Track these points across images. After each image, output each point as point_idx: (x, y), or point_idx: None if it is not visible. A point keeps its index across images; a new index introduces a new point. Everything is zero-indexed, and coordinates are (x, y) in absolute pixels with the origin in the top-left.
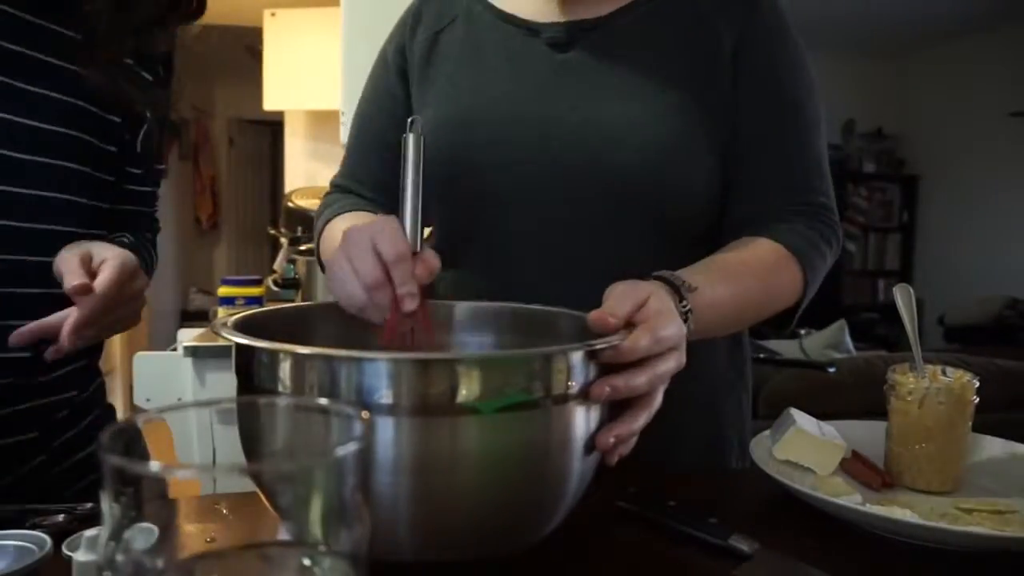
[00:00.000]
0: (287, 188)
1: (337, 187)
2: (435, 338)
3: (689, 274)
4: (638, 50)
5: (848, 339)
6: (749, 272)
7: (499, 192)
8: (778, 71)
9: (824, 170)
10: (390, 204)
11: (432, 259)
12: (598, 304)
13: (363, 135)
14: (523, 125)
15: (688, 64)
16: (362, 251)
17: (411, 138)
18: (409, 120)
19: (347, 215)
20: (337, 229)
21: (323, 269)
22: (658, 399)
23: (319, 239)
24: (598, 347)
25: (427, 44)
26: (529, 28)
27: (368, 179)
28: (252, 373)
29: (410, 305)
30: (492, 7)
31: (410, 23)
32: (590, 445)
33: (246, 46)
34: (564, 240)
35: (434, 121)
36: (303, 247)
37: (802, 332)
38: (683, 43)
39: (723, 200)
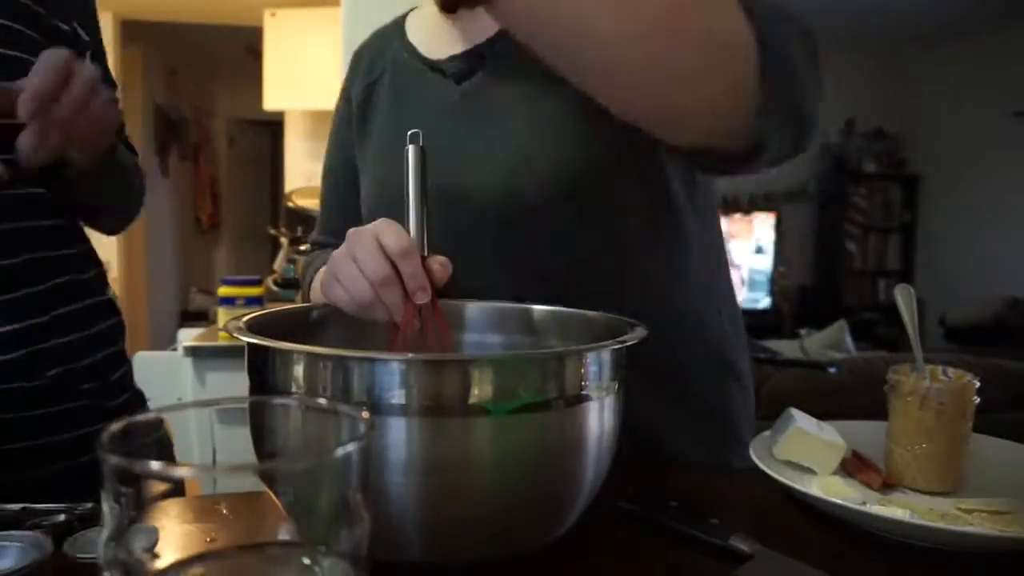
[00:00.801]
0: (287, 188)
1: (316, 244)
2: (451, 338)
3: None
4: (531, 62)
5: (848, 339)
6: None
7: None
8: None
9: None
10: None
11: (446, 260)
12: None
13: (333, 189)
14: (440, 163)
15: None
16: (367, 248)
17: (411, 150)
18: (408, 133)
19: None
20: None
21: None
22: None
23: (307, 297)
24: (611, 348)
25: (363, 96)
26: (437, 67)
27: (341, 232)
28: (264, 373)
29: (423, 298)
30: (416, 52)
31: (352, 73)
32: (603, 443)
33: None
34: (494, 263)
35: (370, 180)
36: (303, 247)
37: (802, 332)
38: None
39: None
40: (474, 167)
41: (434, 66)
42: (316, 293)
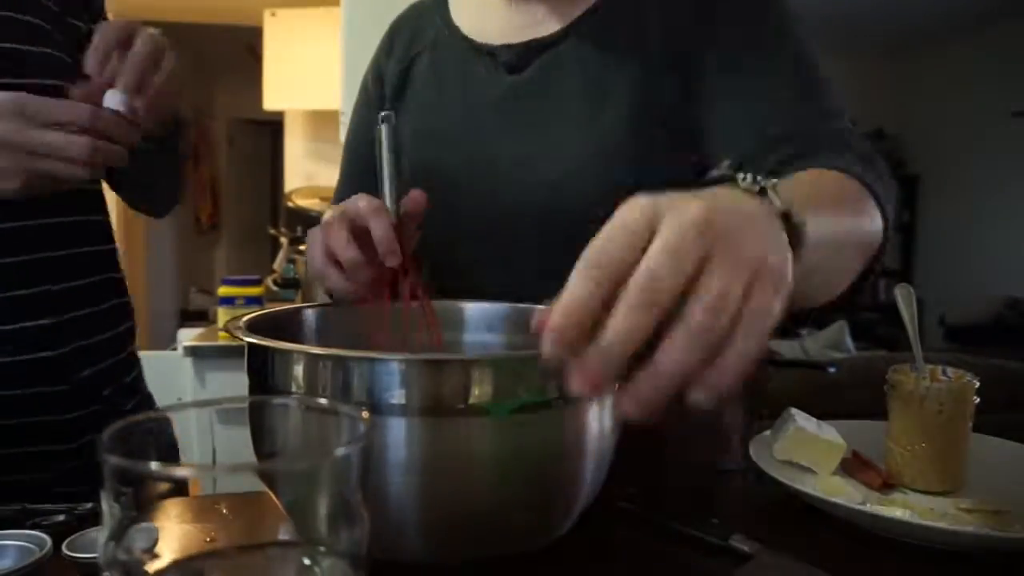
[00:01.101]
0: (287, 188)
1: None
2: (442, 337)
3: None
4: (585, 69)
5: (848, 339)
6: (836, 200)
7: (457, 221)
8: (754, 11)
9: (835, 92)
10: None
11: (419, 195)
12: None
13: (352, 165)
14: (471, 151)
15: (642, 72)
16: (336, 222)
17: (384, 129)
18: (380, 115)
19: None
20: None
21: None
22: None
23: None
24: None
25: (400, 72)
26: (488, 52)
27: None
28: (264, 373)
29: (392, 261)
30: (458, 32)
31: (385, 49)
32: (603, 443)
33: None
34: (507, 274)
35: (408, 152)
36: (303, 247)
37: (802, 332)
38: (632, 44)
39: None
40: (515, 165)
41: (483, 50)
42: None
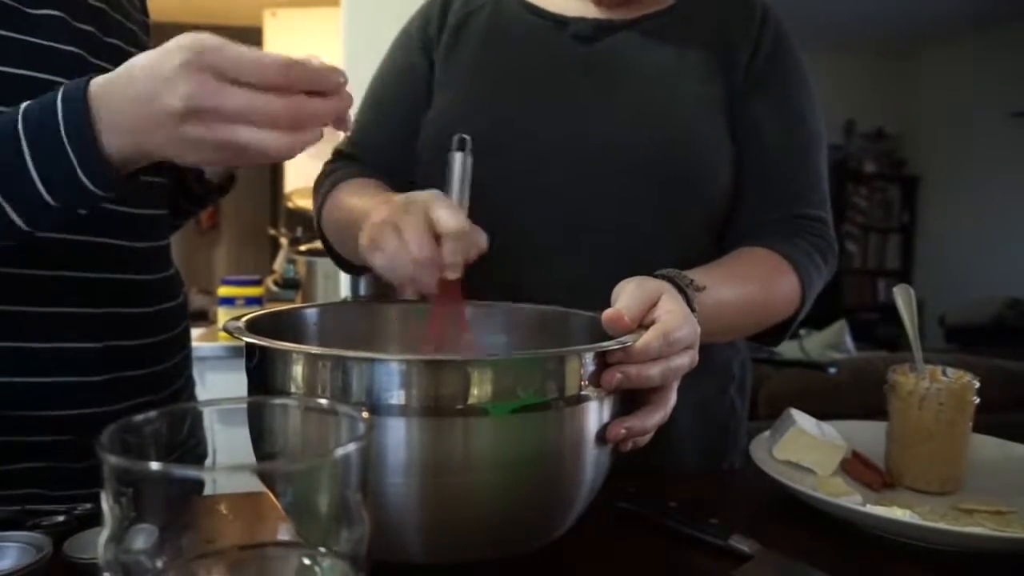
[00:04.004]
0: (287, 188)
1: (341, 154)
2: (472, 337)
3: (695, 274)
4: (659, 50)
5: (848, 339)
6: (751, 278)
7: (519, 178)
8: (786, 87)
9: (823, 187)
10: (395, 174)
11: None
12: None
13: (375, 105)
14: (546, 111)
15: (706, 67)
16: (416, 225)
17: (458, 157)
18: (457, 138)
19: (352, 183)
20: (342, 198)
21: (323, 240)
22: (672, 398)
23: (321, 208)
24: (610, 348)
25: (455, 26)
26: (556, 20)
27: (375, 148)
28: (263, 373)
29: (453, 275)
30: None
31: (440, 2)
32: (602, 442)
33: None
34: (585, 231)
35: (453, 102)
36: (303, 247)
37: (802, 332)
38: (702, 47)
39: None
40: (592, 131)
41: (552, 18)
42: (330, 214)
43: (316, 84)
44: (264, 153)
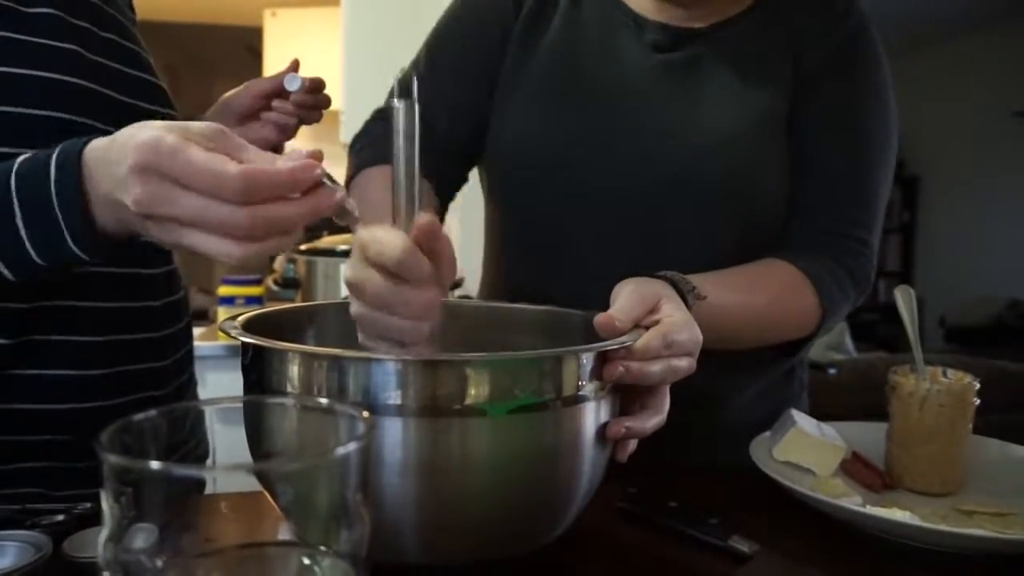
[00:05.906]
0: None
1: (381, 113)
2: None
3: (697, 280)
4: (735, 63)
5: (849, 340)
6: (759, 289)
7: (583, 182)
8: (856, 99)
9: (876, 209)
10: (455, 128)
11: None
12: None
13: (436, 56)
14: (615, 116)
15: (777, 76)
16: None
17: (403, 106)
18: (398, 81)
19: (372, 179)
20: (369, 182)
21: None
22: (667, 402)
23: (352, 170)
24: (608, 348)
25: (534, 10)
26: (636, 21)
27: (435, 100)
28: (260, 373)
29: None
30: None
31: None
32: (600, 444)
33: (246, 46)
34: (643, 242)
35: (525, 100)
36: (303, 247)
37: None
38: (778, 58)
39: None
40: (660, 141)
41: (636, 19)
42: (358, 192)
43: (282, 192)
44: (226, 258)
